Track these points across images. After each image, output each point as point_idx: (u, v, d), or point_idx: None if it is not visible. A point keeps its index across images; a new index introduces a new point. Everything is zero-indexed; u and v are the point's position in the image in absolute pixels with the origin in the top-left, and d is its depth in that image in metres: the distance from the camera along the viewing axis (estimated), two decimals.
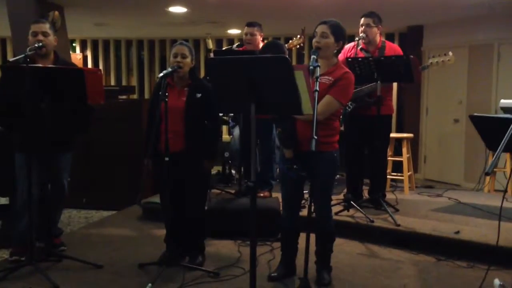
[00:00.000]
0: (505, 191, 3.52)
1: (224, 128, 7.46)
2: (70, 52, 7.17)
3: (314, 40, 3.21)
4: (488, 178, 5.91)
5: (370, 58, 4.41)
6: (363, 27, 4.66)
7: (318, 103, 2.74)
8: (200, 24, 7.25)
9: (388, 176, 5.75)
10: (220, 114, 4.93)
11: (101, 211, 5.69)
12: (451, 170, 6.83)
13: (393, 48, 4.85)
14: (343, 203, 4.73)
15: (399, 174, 5.97)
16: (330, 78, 3.17)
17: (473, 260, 3.83)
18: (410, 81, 4.43)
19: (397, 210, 4.77)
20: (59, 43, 4.01)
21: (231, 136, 5.90)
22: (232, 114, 5.61)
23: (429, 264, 3.89)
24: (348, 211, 4.61)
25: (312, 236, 3.24)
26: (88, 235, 4.63)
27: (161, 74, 3.37)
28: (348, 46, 4.71)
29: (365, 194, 5.04)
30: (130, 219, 5.13)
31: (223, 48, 7.40)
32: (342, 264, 3.81)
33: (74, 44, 9.01)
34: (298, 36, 5.23)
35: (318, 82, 2.80)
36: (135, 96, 8.56)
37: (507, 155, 5.66)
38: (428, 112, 7.25)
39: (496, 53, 6.29)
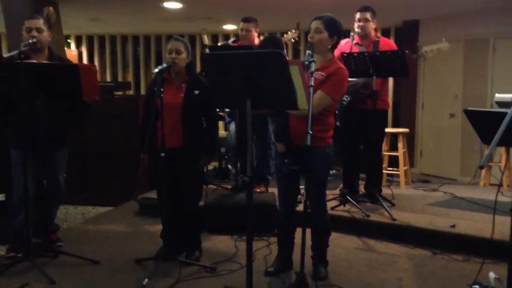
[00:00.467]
0: (500, 185, 3.55)
1: (220, 123, 7.44)
2: (65, 48, 7.14)
3: (308, 36, 3.21)
4: (483, 172, 5.94)
5: (366, 53, 4.41)
6: (361, 22, 4.67)
7: (312, 98, 2.74)
8: (196, 19, 7.23)
9: (384, 171, 5.77)
10: (216, 110, 4.93)
11: (97, 207, 5.69)
12: (447, 164, 6.85)
13: (387, 43, 4.89)
14: (339, 198, 4.74)
15: (395, 168, 5.99)
16: (322, 73, 3.17)
17: (468, 253, 3.86)
18: (405, 75, 4.44)
19: (393, 204, 4.79)
20: (54, 39, 4.00)
21: (227, 132, 5.90)
22: (228, 110, 5.61)
23: (425, 257, 3.91)
24: (344, 206, 4.62)
25: (308, 231, 3.25)
26: (85, 231, 4.64)
27: (156, 70, 3.37)
28: (343, 41, 4.71)
29: (361, 189, 5.05)
30: (126, 215, 5.14)
31: (219, 44, 7.39)
32: (339, 258, 3.82)
33: (69, 41, 8.97)
34: (293, 30, 5.24)
35: (313, 78, 2.80)
36: (131, 92, 8.55)
37: (502, 149, 5.68)
38: (424, 106, 7.26)
39: (491, 47, 6.30)
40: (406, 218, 4.39)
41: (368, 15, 4.67)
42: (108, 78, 9.04)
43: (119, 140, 5.69)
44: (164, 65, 3.45)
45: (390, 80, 6.62)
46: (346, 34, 4.16)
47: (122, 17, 7.47)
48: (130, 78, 9.08)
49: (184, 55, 3.52)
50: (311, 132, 2.63)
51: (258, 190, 4.87)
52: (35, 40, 3.61)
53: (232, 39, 5.58)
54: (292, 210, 3.49)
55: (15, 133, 3.65)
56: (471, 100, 6.33)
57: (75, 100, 3.56)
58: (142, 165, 3.59)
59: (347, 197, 4.64)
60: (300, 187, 3.58)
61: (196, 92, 3.55)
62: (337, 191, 5.03)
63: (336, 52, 3.98)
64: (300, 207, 3.70)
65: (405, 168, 5.94)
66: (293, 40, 5.30)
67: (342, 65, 3.29)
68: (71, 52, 8.65)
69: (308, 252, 3.34)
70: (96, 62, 9.02)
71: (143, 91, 8.90)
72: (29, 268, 3.43)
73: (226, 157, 6.22)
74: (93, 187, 5.83)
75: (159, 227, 3.80)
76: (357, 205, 4.56)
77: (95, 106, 3.92)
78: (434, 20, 6.96)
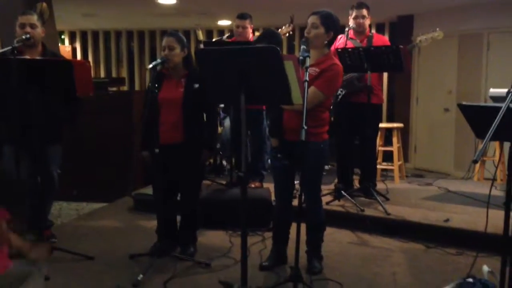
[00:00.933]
0: (494, 179, 3.56)
1: None
2: (59, 44, 7.10)
3: (305, 31, 3.21)
4: (477, 166, 5.97)
5: (360, 48, 4.43)
6: (359, 18, 4.73)
7: (307, 93, 2.74)
8: (190, 15, 7.20)
9: (378, 166, 5.78)
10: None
11: (91, 203, 5.66)
12: (441, 159, 6.87)
13: (381, 39, 4.98)
14: (334, 193, 4.75)
15: (389, 163, 6.00)
16: (316, 69, 3.17)
17: (462, 247, 3.88)
18: (399, 70, 4.46)
19: (387, 199, 4.81)
20: (47, 35, 3.98)
21: (222, 127, 5.89)
22: (223, 105, 5.60)
23: (419, 251, 3.92)
24: (339, 200, 4.64)
25: (303, 226, 3.25)
26: (79, 227, 4.62)
27: (150, 66, 3.36)
28: (339, 36, 4.72)
29: (356, 184, 5.07)
30: (121, 210, 5.13)
31: (214, 39, 7.37)
32: (333, 253, 3.84)
33: (63, 36, 8.92)
34: (287, 24, 5.24)
35: (307, 73, 2.80)
36: (125, 88, 8.52)
37: (496, 143, 5.70)
38: (418, 101, 7.28)
39: (485, 42, 6.31)
40: (401, 213, 4.41)
41: (365, 12, 4.75)
42: (102, 74, 9.00)
43: (113, 136, 5.67)
44: (158, 60, 3.43)
45: (385, 75, 6.64)
46: (341, 30, 4.16)
47: (116, 13, 7.43)
48: (124, 73, 9.05)
49: (177, 50, 3.49)
50: (305, 127, 2.63)
51: (253, 185, 4.86)
52: (28, 35, 3.60)
53: (226, 35, 5.57)
54: (288, 204, 3.49)
55: (7, 129, 3.63)
56: (465, 95, 6.35)
57: (69, 96, 3.54)
58: (143, 161, 3.56)
59: (342, 191, 4.65)
60: (296, 182, 3.59)
61: (196, 85, 3.52)
62: (332, 186, 5.03)
63: (332, 47, 3.98)
64: (295, 202, 3.70)
65: (400, 162, 5.96)
66: (287, 35, 5.30)
67: (337, 61, 3.29)
68: (65, 48, 8.61)
69: (303, 246, 3.34)
70: (90, 58, 8.98)
71: (137, 87, 8.88)
72: None
73: (220, 152, 6.21)
74: (87, 183, 5.80)
75: (153, 223, 3.80)
76: (351, 199, 4.57)
77: (89, 102, 3.91)
78: (428, 15, 6.97)
